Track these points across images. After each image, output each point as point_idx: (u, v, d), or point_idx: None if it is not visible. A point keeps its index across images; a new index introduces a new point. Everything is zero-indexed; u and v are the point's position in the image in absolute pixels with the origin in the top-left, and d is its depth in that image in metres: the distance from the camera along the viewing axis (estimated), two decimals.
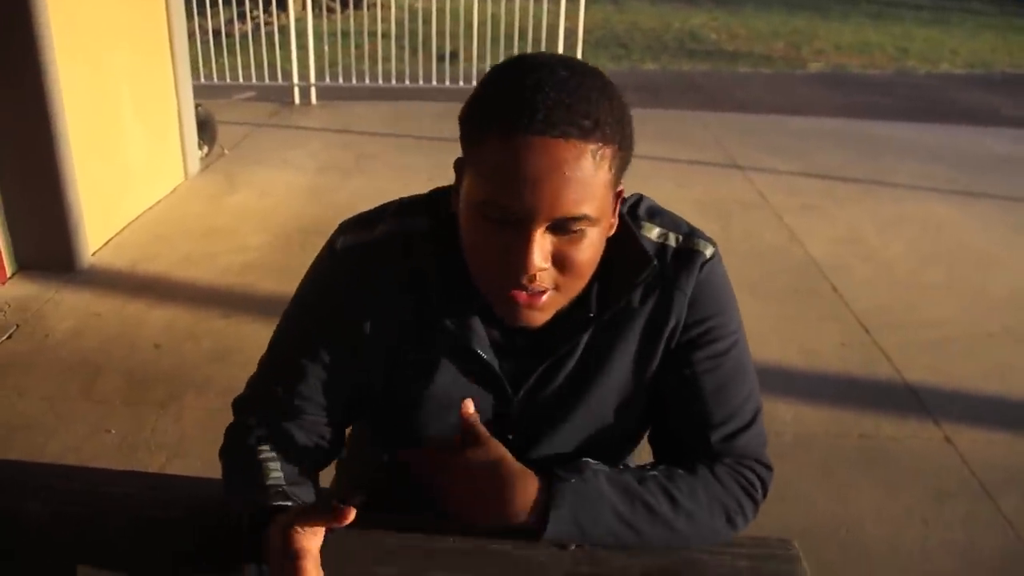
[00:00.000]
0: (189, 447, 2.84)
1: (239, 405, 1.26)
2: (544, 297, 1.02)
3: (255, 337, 3.47)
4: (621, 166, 1.00)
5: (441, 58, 7.59)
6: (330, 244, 1.18)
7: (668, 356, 1.18)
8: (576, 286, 1.04)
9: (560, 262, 1.00)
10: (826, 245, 4.73)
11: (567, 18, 7.49)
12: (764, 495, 1.20)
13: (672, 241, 1.15)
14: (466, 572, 1.10)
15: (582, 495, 1.07)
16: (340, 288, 1.16)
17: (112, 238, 4.46)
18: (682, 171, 5.85)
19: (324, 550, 1.01)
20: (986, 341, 3.75)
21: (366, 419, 1.32)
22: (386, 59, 7.65)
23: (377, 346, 1.17)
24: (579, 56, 7.58)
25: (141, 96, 4.83)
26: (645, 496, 1.10)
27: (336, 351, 1.18)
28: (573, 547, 1.15)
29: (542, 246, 0.97)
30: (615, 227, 1.08)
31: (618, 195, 1.05)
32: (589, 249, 1.00)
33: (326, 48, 7.84)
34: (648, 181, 5.20)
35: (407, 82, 7.51)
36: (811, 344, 3.62)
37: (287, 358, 1.20)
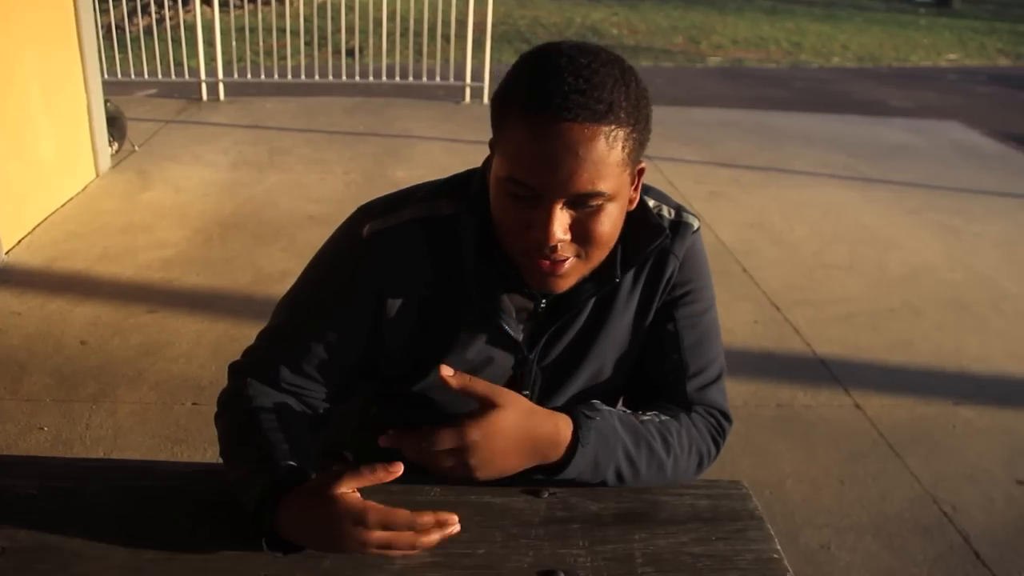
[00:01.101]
0: (127, 440, 2.83)
1: (237, 372, 1.30)
2: (566, 265, 1.11)
3: (184, 331, 3.47)
4: (636, 146, 1.07)
5: (348, 53, 7.58)
6: (353, 228, 1.23)
7: (654, 312, 1.30)
8: (597, 255, 1.13)
9: (580, 234, 1.08)
10: (735, 229, 4.93)
11: (472, 13, 7.57)
12: (724, 441, 1.32)
13: (666, 213, 1.27)
14: None
15: (603, 434, 1.17)
16: (366, 272, 1.22)
17: (24, 237, 4.36)
18: None
19: None
20: (888, 316, 3.99)
21: (373, 390, 1.37)
22: (292, 55, 7.60)
23: (403, 327, 1.23)
24: (487, 51, 7.67)
25: (50, 92, 4.73)
26: (648, 438, 1.21)
27: (349, 334, 1.24)
28: (547, 495, 1.24)
29: (561, 220, 1.06)
30: (636, 202, 1.18)
31: (640, 171, 1.15)
32: (607, 222, 1.09)
33: (233, 44, 7.74)
34: None
35: (316, 77, 7.47)
36: (727, 323, 3.77)
37: (296, 335, 1.25)
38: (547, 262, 1.09)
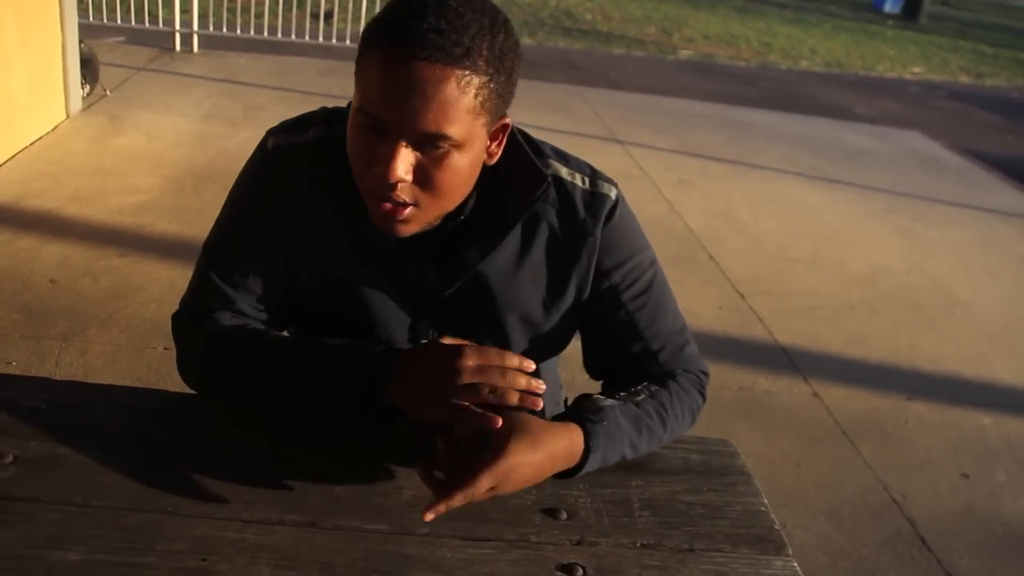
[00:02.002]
0: (97, 379, 2.79)
1: (188, 317, 1.30)
2: (406, 211, 1.09)
3: (156, 277, 3.45)
4: (493, 97, 1.05)
5: (315, 16, 7.51)
6: (261, 145, 1.24)
7: (595, 303, 1.29)
8: (438, 205, 1.11)
9: (422, 179, 1.06)
10: (702, 218, 5.02)
11: None
12: (707, 392, 1.38)
13: (579, 182, 1.24)
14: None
15: (611, 435, 1.18)
16: (271, 187, 1.22)
17: None
18: (565, 142, 5.83)
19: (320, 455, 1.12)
20: (847, 311, 4.11)
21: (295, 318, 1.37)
22: (263, 13, 7.50)
23: (305, 244, 1.23)
24: None
25: (25, 28, 4.64)
26: (648, 421, 1.24)
27: (270, 246, 1.24)
28: (564, 516, 1.28)
29: (405, 158, 1.04)
30: (496, 157, 1.17)
31: (503, 127, 1.13)
32: (452, 171, 1.07)
33: None
34: None
35: (293, 36, 7.40)
36: (693, 306, 3.87)
37: (230, 257, 1.26)
38: (387, 204, 1.08)
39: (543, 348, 1.34)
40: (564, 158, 1.26)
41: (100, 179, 4.40)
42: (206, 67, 6.90)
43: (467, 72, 1.01)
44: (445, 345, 1.09)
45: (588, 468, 1.16)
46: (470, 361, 1.05)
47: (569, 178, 1.24)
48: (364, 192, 1.11)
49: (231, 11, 7.37)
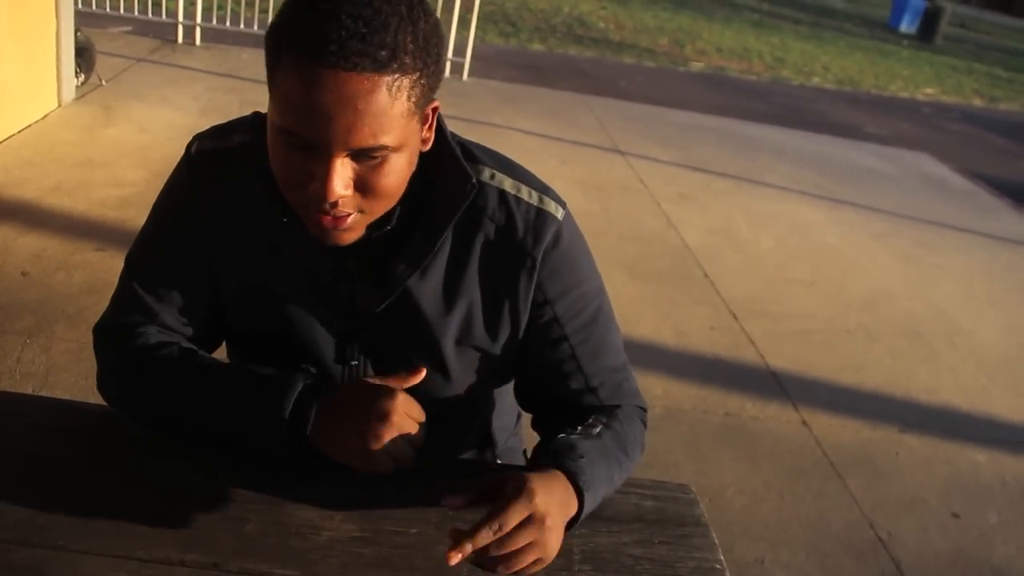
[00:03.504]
0: (59, 378, 2.73)
1: (110, 331, 1.22)
2: (349, 220, 1.01)
3: None
4: (425, 91, 0.97)
5: None
6: (185, 151, 1.16)
7: (537, 332, 1.19)
8: (381, 207, 1.03)
9: (363, 187, 0.99)
10: (700, 234, 4.91)
11: None
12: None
13: (524, 195, 1.14)
14: (384, 496, 1.12)
15: (594, 469, 1.08)
16: (195, 193, 1.14)
17: None
18: (566, 150, 5.93)
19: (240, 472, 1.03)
20: (843, 336, 3.99)
21: (233, 344, 1.30)
22: (272, 9, 7.41)
23: (228, 254, 1.16)
24: (472, 29, 7.56)
25: (18, 13, 4.56)
26: (614, 452, 1.15)
27: (194, 256, 1.17)
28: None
29: (343, 174, 0.96)
30: (430, 142, 1.07)
31: (433, 110, 1.05)
32: (392, 174, 0.99)
33: None
34: (534, 156, 5.29)
35: None
36: (683, 325, 3.77)
37: (154, 268, 1.19)
38: (328, 218, 1.00)
39: (487, 376, 1.26)
40: (510, 168, 1.16)
41: (86, 170, 4.31)
42: (207, 61, 6.82)
43: (396, 75, 0.92)
44: (363, 392, 1.04)
45: (587, 509, 1.06)
46: (389, 412, 1.01)
47: (513, 191, 1.14)
48: (297, 205, 1.02)
49: (237, 4, 7.27)
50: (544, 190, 1.16)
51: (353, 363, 1.19)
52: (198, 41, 7.25)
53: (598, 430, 1.16)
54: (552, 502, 0.97)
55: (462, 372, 1.22)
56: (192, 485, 1.10)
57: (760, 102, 9.58)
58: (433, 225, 1.11)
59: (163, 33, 7.24)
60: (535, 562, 0.94)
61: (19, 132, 4.62)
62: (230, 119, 1.18)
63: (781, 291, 4.37)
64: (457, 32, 7.51)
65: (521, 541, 0.93)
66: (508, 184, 1.14)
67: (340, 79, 0.90)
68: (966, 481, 3.05)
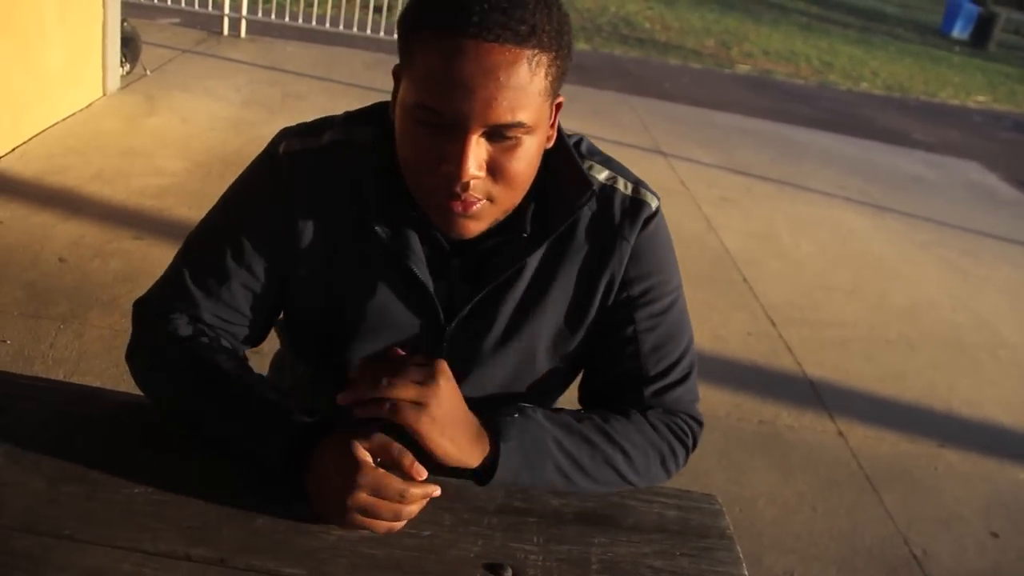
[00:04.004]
0: (90, 364, 2.74)
1: (150, 310, 1.21)
2: (477, 205, 1.00)
3: (166, 262, 3.33)
4: (558, 75, 0.98)
5: (377, 9, 7.42)
6: (270, 149, 1.14)
7: (608, 311, 1.17)
8: (511, 197, 1.03)
9: (495, 170, 0.98)
10: (740, 238, 4.84)
11: None
12: (694, 446, 1.23)
13: (621, 186, 1.15)
14: None
15: (527, 431, 1.08)
16: (281, 193, 1.12)
17: (19, 145, 4.25)
18: (608, 150, 5.69)
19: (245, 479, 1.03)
20: (884, 346, 3.91)
21: (286, 330, 1.29)
22: (320, 3, 7.46)
23: (314, 256, 1.14)
24: None
25: (66, 3, 4.61)
26: (584, 431, 1.12)
27: (265, 257, 1.15)
28: None
29: (477, 153, 0.95)
30: (553, 140, 1.07)
31: (557, 106, 1.04)
32: (524, 159, 0.99)
33: None
34: None
35: (341, 27, 7.33)
36: (720, 330, 3.71)
37: (211, 260, 1.16)
38: (457, 203, 0.99)
39: (561, 374, 1.24)
40: (607, 161, 1.16)
41: (127, 159, 4.34)
42: (251, 53, 6.86)
43: (536, 51, 0.93)
44: (336, 446, 1.00)
45: (507, 464, 1.05)
46: (361, 495, 0.97)
47: (610, 182, 1.14)
48: (425, 193, 1.02)
49: None
50: (638, 182, 1.16)
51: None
52: (243, 33, 7.30)
53: (587, 415, 1.15)
54: (457, 401, 1.04)
55: (545, 368, 1.21)
56: (203, 478, 1.08)
57: (806, 106, 9.45)
58: (545, 226, 1.10)
59: (210, 25, 7.30)
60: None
61: (64, 120, 4.67)
62: (318, 117, 1.17)
63: (821, 298, 4.29)
64: None
65: (404, 409, 0.98)
66: (605, 175, 1.14)
67: (483, 50, 0.90)
68: (1006, 499, 2.97)
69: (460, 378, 1.14)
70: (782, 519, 2.64)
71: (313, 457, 1.01)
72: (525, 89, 0.93)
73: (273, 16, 7.35)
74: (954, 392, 3.62)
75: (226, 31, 7.27)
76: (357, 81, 6.57)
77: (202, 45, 6.85)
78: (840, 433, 3.14)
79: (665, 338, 1.19)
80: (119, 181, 4.07)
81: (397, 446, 0.98)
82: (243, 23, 7.28)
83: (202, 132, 4.89)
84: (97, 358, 2.78)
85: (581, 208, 1.11)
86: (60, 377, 2.65)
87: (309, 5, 7.44)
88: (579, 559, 1.05)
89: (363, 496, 0.96)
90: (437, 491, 0.99)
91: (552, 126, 1.05)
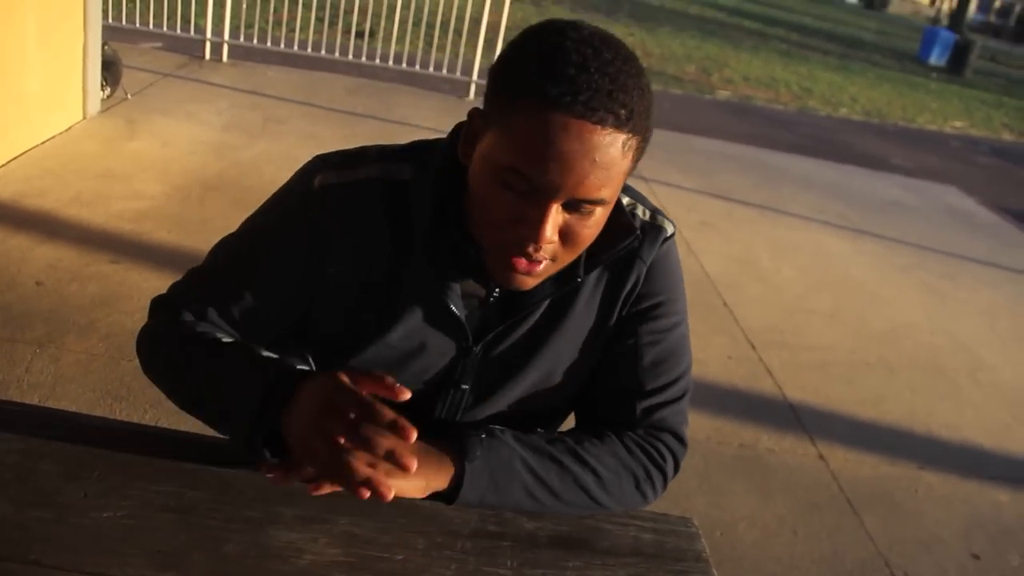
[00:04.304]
0: (65, 389, 2.71)
1: (163, 305, 1.23)
2: (541, 266, 1.03)
3: (145, 286, 3.35)
4: (640, 154, 1.01)
5: (358, 35, 7.45)
6: (305, 179, 1.15)
7: (615, 325, 1.20)
8: (571, 257, 1.06)
9: (565, 236, 1.01)
10: (721, 262, 4.86)
11: (488, 12, 7.48)
12: (675, 470, 1.22)
13: (640, 213, 1.18)
14: (372, 520, 1.09)
15: (494, 451, 1.09)
16: (312, 225, 1.13)
17: None
18: None
19: (221, 488, 1.00)
20: (864, 369, 3.92)
21: (305, 351, 1.28)
22: (302, 28, 7.47)
23: (339, 289, 1.15)
24: (498, 52, 7.55)
25: (47, 27, 4.60)
26: (555, 452, 1.12)
27: (285, 285, 1.16)
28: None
29: (555, 220, 0.98)
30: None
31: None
32: (595, 227, 1.03)
33: (244, 7, 7.58)
34: None
35: (323, 52, 7.35)
36: (700, 354, 3.68)
37: (230, 278, 1.18)
38: (523, 261, 1.01)
39: (576, 393, 1.26)
40: (627, 189, 1.18)
41: (106, 182, 4.32)
42: (233, 77, 6.86)
43: (630, 135, 0.96)
44: (333, 380, 0.96)
45: (472, 484, 1.07)
46: (350, 410, 0.92)
47: (630, 208, 1.17)
48: (493, 245, 1.04)
49: (265, 23, 7.32)
50: (655, 210, 1.20)
51: (464, 387, 1.19)
52: (225, 58, 7.30)
53: (559, 437, 1.16)
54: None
55: (563, 387, 1.23)
56: (171, 501, 1.06)
57: (786, 132, 9.53)
58: (588, 262, 1.12)
59: (191, 49, 7.30)
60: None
61: (43, 143, 4.64)
62: (352, 148, 1.18)
63: (801, 322, 4.31)
64: (483, 55, 7.51)
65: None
66: (626, 202, 1.17)
67: (585, 129, 0.93)
68: (987, 521, 2.97)
69: (482, 398, 1.18)
70: (763, 542, 2.63)
71: (294, 395, 1.00)
72: (614, 169, 0.96)
73: (255, 41, 7.35)
74: (934, 415, 3.63)
75: (208, 55, 7.27)
76: (338, 106, 6.58)
77: (184, 69, 6.85)
78: (821, 456, 3.14)
79: (665, 355, 1.21)
80: (98, 204, 4.04)
81: (389, 379, 0.95)
82: (225, 47, 7.29)
83: (182, 156, 4.88)
84: (73, 383, 2.75)
85: (622, 251, 1.14)
86: (35, 402, 2.62)
87: (291, 30, 7.45)
88: None
89: (340, 424, 0.92)
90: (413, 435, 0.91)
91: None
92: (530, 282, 1.06)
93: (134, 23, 7.11)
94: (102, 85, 5.35)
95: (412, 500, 1.12)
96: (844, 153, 8.85)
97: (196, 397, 1.13)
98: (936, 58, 19.51)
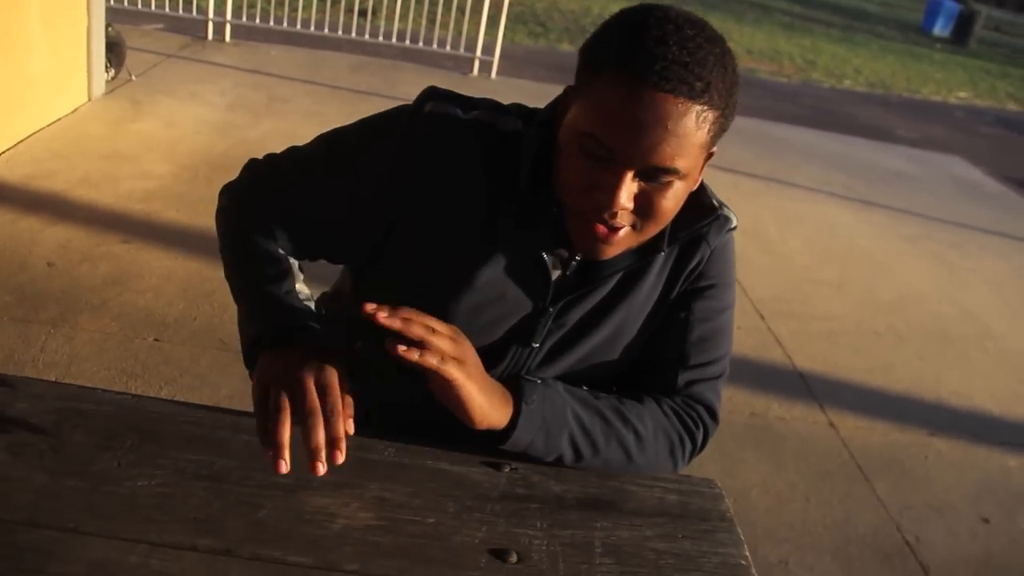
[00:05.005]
0: (81, 368, 2.73)
1: (248, 179, 1.30)
2: (620, 233, 1.06)
3: (156, 265, 3.37)
4: (719, 131, 1.03)
5: (361, 13, 7.42)
6: (416, 104, 1.17)
7: (675, 299, 1.25)
8: (652, 230, 1.08)
9: (642, 206, 1.03)
10: None
11: None
12: (704, 441, 1.26)
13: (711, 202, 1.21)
14: (403, 485, 1.10)
15: (548, 398, 1.12)
16: (411, 144, 1.15)
17: (5, 151, 4.23)
18: None
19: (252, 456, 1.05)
20: (872, 338, 3.93)
21: (372, 287, 1.27)
22: (304, 7, 7.44)
23: (433, 216, 1.16)
24: (501, 28, 7.54)
25: (51, 8, 4.59)
26: (601, 407, 1.16)
27: (363, 198, 1.18)
28: (507, 469, 1.16)
29: (629, 188, 1.01)
30: (698, 183, 1.12)
31: (709, 155, 1.09)
32: (672, 200, 1.04)
33: None
34: None
35: (326, 31, 7.33)
36: None
37: (313, 169, 1.22)
38: (603, 227, 1.04)
39: (632, 361, 1.29)
40: (702, 184, 1.21)
41: (113, 163, 4.33)
42: (236, 57, 6.84)
43: (705, 107, 0.98)
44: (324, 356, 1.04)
45: (526, 429, 1.11)
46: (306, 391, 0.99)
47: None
48: (573, 211, 1.07)
49: (268, 2, 7.30)
50: (721, 202, 1.22)
51: (535, 345, 1.21)
52: (228, 38, 7.28)
53: (604, 394, 1.20)
54: (478, 369, 1.07)
55: (623, 356, 1.26)
56: (203, 470, 1.08)
57: (790, 104, 9.50)
58: (663, 235, 1.15)
59: (194, 30, 7.28)
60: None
61: (49, 125, 4.65)
62: (470, 95, 1.20)
63: (809, 292, 4.32)
64: (486, 32, 7.49)
65: (438, 340, 1.02)
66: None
67: (658, 99, 0.96)
68: (996, 486, 3.00)
69: (547, 360, 1.21)
70: (775, 509, 2.65)
71: (284, 347, 1.08)
72: (687, 139, 0.98)
73: (258, 20, 7.33)
74: (942, 382, 3.65)
75: (211, 35, 7.25)
76: (342, 84, 6.57)
77: (187, 50, 6.83)
78: (831, 424, 3.16)
79: (711, 334, 1.25)
80: (106, 185, 4.05)
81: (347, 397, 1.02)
82: (228, 27, 7.27)
83: (188, 136, 4.88)
84: (88, 361, 2.77)
85: (701, 229, 1.18)
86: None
87: (293, 9, 7.43)
88: (582, 543, 1.06)
89: (288, 392, 0.99)
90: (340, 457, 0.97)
91: (700, 172, 1.10)
92: (610, 251, 1.08)
93: (136, 4, 7.09)
94: (106, 67, 5.34)
95: (439, 465, 1.14)
96: (848, 125, 8.83)
97: (230, 281, 1.25)
98: (940, 28, 19.39)
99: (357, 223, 1.20)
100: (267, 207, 1.24)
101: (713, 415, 1.27)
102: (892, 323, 4.12)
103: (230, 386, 2.69)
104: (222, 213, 1.30)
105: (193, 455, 1.11)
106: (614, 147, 0.98)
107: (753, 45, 13.55)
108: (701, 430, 1.25)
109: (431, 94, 1.17)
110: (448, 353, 1.02)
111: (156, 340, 2.89)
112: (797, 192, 5.99)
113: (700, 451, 1.26)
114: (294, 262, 1.22)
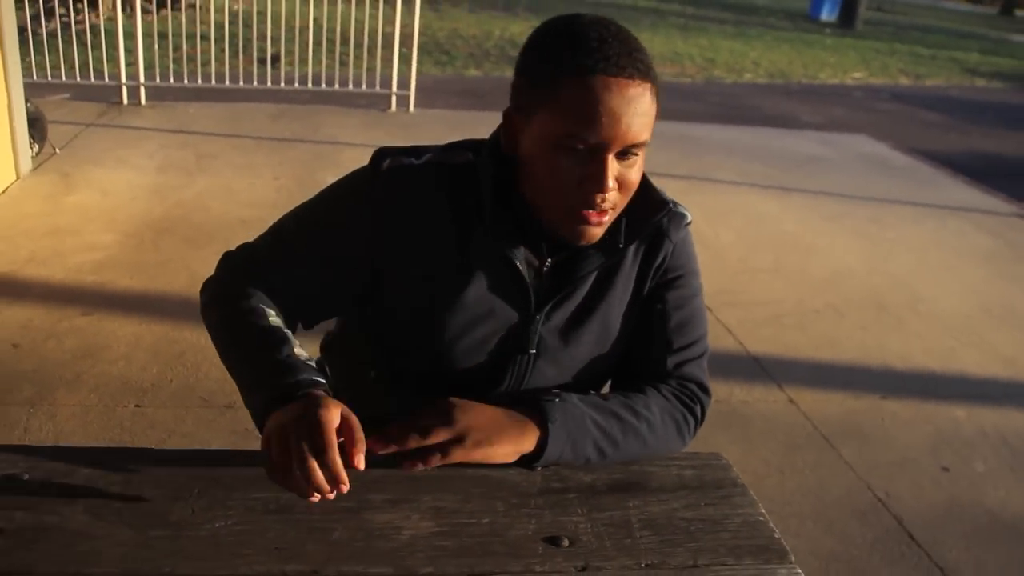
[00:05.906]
0: (69, 442, 2.76)
1: (229, 264, 1.36)
2: (607, 216, 1.19)
3: (122, 333, 3.40)
4: (660, 101, 1.18)
5: (263, 61, 7.45)
6: (373, 166, 1.29)
7: (647, 295, 1.37)
8: (624, 203, 1.22)
9: (620, 183, 1.17)
10: None
11: (389, 23, 7.57)
12: (703, 414, 1.40)
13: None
14: (453, 494, 1.22)
15: (568, 412, 1.23)
16: (378, 203, 1.27)
17: None
18: None
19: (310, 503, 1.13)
20: (813, 316, 4.15)
21: (368, 330, 1.41)
22: (208, 62, 7.44)
23: (404, 265, 1.28)
24: (413, 62, 7.62)
25: None
26: (613, 408, 1.28)
27: (346, 254, 1.29)
28: (539, 468, 1.29)
29: (612, 170, 1.15)
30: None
31: None
32: (638, 170, 1.20)
33: (155, 48, 7.56)
34: None
35: (240, 83, 7.36)
36: None
37: (293, 248, 1.32)
38: (593, 213, 1.17)
39: (619, 356, 1.40)
40: (648, 181, 1.34)
41: (57, 239, 4.33)
42: (156, 119, 6.85)
43: (651, 84, 1.15)
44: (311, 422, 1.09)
45: (556, 446, 1.21)
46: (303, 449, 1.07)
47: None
48: (562, 209, 1.18)
49: (176, 61, 7.30)
50: (673, 201, 1.35)
51: (531, 351, 1.33)
52: (143, 100, 7.26)
53: (609, 394, 1.34)
54: (485, 409, 1.20)
55: (611, 352, 1.38)
56: (271, 505, 1.17)
57: (697, 103, 9.80)
58: (625, 235, 1.28)
59: (105, 96, 7.23)
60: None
61: None
62: (413, 144, 1.33)
63: (748, 280, 4.52)
64: (401, 66, 7.59)
65: (433, 439, 1.15)
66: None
67: (622, 84, 1.11)
68: (950, 437, 3.21)
69: (546, 365, 1.33)
70: (754, 486, 2.75)
71: (289, 403, 1.13)
72: (648, 114, 1.14)
73: (172, 80, 7.34)
74: (885, 349, 3.88)
75: (126, 100, 7.22)
76: (266, 134, 6.62)
77: (105, 117, 6.81)
78: (791, 400, 3.35)
79: (688, 318, 1.39)
80: (54, 261, 4.06)
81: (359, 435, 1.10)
82: (142, 90, 7.25)
83: (125, 203, 4.89)
84: (74, 435, 2.80)
85: (655, 226, 1.31)
86: None
87: (204, 64, 7.44)
88: (621, 522, 1.19)
89: (295, 445, 1.07)
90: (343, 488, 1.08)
91: None
92: (598, 232, 1.20)
93: (40, 76, 6.97)
94: (30, 143, 5.32)
95: (482, 471, 1.26)
96: (755, 116, 9.16)
97: (229, 365, 1.27)
98: (827, 14, 20.13)
99: (346, 282, 1.32)
100: (254, 289, 1.30)
101: (705, 390, 1.42)
102: (829, 300, 4.35)
103: (220, 440, 2.76)
104: (208, 307, 1.33)
105: (258, 493, 1.20)
106: (597, 138, 1.11)
107: (653, 49, 13.80)
108: (699, 405, 1.40)
109: (383, 153, 1.30)
110: (447, 440, 1.16)
111: (137, 406, 2.94)
112: (721, 187, 6.23)
113: (701, 424, 1.41)
114: (288, 331, 1.26)
